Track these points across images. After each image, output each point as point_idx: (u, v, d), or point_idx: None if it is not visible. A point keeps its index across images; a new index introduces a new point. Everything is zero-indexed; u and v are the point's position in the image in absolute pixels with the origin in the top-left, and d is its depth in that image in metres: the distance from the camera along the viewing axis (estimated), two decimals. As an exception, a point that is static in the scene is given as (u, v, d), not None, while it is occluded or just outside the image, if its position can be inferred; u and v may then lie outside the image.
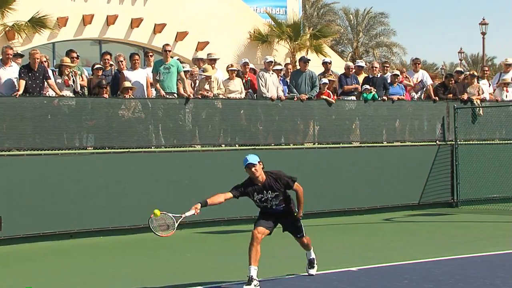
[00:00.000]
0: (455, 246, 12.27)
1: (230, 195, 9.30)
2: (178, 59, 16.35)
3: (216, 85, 15.71)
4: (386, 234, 14.51)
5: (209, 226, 14.87)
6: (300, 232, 9.55)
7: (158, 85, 15.08)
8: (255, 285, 9.04)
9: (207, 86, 15.62)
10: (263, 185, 9.22)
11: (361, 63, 18.85)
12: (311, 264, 9.78)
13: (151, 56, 16.18)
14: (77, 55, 15.70)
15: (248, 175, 9.36)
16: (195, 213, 9.16)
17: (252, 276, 9.06)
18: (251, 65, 17.43)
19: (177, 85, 15.23)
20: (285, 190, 9.30)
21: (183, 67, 15.80)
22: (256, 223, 9.40)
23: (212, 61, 16.37)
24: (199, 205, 9.22)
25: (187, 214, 9.14)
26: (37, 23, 22.38)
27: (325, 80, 16.86)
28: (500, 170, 17.60)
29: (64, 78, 14.46)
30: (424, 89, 18.71)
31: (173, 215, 9.15)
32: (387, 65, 18.88)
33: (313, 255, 9.80)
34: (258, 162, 9.26)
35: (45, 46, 22.94)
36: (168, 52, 15.24)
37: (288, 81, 16.92)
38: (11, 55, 14.12)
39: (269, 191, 9.21)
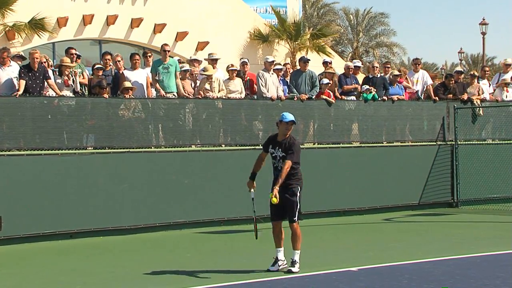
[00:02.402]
0: (455, 246, 12.27)
1: (264, 154, 10.35)
2: (178, 60, 16.36)
3: (218, 86, 15.69)
4: (386, 234, 14.51)
5: (209, 226, 14.87)
6: (293, 214, 9.96)
7: (158, 85, 15.08)
8: (279, 265, 9.99)
9: (208, 86, 15.62)
10: (281, 142, 10.12)
11: (357, 63, 18.86)
12: (292, 263, 9.98)
13: (149, 56, 16.18)
14: (78, 54, 15.72)
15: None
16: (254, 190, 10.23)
17: (277, 257, 10.01)
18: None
19: (176, 84, 15.22)
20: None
21: (182, 67, 15.79)
22: (271, 213, 10.16)
23: (213, 61, 16.37)
24: (252, 182, 10.27)
25: (253, 196, 10.27)
26: (36, 25, 22.38)
27: (326, 80, 16.85)
28: (500, 170, 17.60)
29: (64, 78, 14.45)
30: (424, 89, 18.70)
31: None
32: (388, 65, 18.87)
33: (296, 257, 9.98)
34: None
35: (45, 46, 22.95)
36: (167, 52, 15.24)
37: (288, 81, 16.92)
38: (7, 56, 14.05)
39: (280, 149, 10.06)
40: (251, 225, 14.77)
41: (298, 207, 10.03)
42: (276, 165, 10.10)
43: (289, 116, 10.19)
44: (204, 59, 17.60)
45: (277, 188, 9.82)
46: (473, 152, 17.94)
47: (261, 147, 10.59)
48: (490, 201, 17.60)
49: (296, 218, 9.99)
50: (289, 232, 10.06)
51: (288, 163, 9.91)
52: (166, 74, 15.10)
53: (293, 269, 9.89)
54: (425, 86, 18.67)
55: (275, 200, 9.78)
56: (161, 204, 14.59)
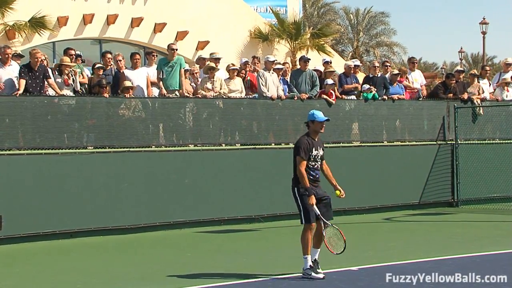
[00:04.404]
0: (455, 246, 12.27)
1: (305, 163, 9.75)
2: (180, 58, 16.36)
3: (219, 86, 15.67)
4: (386, 234, 14.51)
5: (209, 226, 14.87)
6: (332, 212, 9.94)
7: (161, 84, 15.07)
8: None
9: (209, 85, 15.61)
10: (318, 142, 9.88)
11: (356, 62, 18.87)
12: (316, 264, 9.72)
13: (156, 56, 16.13)
14: (77, 54, 15.71)
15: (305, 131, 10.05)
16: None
17: (315, 259, 9.62)
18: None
19: (180, 81, 15.20)
20: None
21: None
22: (309, 215, 9.67)
23: (216, 61, 16.37)
24: (313, 198, 9.67)
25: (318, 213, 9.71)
26: (37, 23, 22.39)
27: (330, 81, 16.85)
28: (500, 170, 17.59)
29: (63, 77, 14.45)
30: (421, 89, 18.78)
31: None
32: (388, 64, 18.90)
33: (317, 256, 9.77)
34: None
35: (45, 46, 22.94)
36: (174, 51, 15.21)
37: (288, 80, 16.91)
38: (9, 54, 14.10)
39: (320, 148, 9.86)
40: (250, 225, 14.87)
41: None
42: (315, 166, 9.84)
43: (322, 115, 9.90)
44: (208, 58, 17.59)
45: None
46: (473, 151, 17.93)
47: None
48: (490, 200, 17.59)
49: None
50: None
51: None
52: (170, 72, 15.10)
53: (320, 275, 9.66)
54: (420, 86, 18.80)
55: (339, 193, 9.89)
56: (161, 204, 14.59)
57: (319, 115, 9.85)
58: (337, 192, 9.87)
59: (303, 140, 9.85)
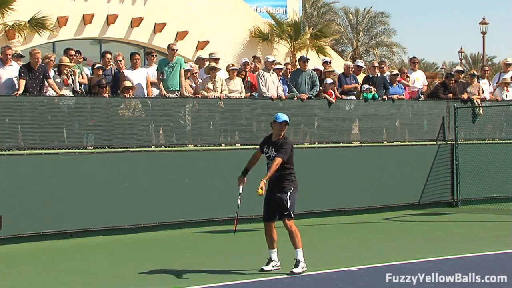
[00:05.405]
0: (455, 246, 12.27)
1: (259, 153, 10.38)
2: (180, 58, 16.35)
3: (220, 86, 15.67)
4: (386, 234, 14.50)
5: (209, 226, 14.87)
6: (285, 209, 9.91)
7: (161, 85, 15.06)
8: (273, 266, 9.99)
9: (210, 86, 15.61)
10: (274, 142, 10.14)
11: (360, 63, 18.85)
12: (296, 264, 9.85)
13: (155, 56, 16.12)
14: (77, 52, 15.70)
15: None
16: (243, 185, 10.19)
17: (270, 257, 10.01)
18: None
19: (180, 82, 15.19)
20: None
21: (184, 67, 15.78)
22: (263, 213, 10.22)
23: (215, 61, 16.36)
24: (243, 178, 10.26)
25: (240, 191, 10.18)
26: (37, 24, 22.40)
27: (330, 80, 16.86)
28: (500, 170, 17.59)
29: (63, 77, 14.45)
30: (421, 90, 18.79)
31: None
32: (383, 65, 18.75)
33: (299, 257, 9.86)
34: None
35: (45, 46, 22.94)
36: (174, 51, 15.21)
37: (288, 80, 16.92)
38: (10, 55, 14.11)
39: (273, 149, 10.07)
40: (250, 225, 14.88)
41: (289, 204, 9.90)
42: (270, 165, 9.98)
43: (283, 117, 10.11)
44: (207, 58, 17.59)
45: (263, 181, 9.74)
46: (473, 151, 17.94)
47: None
48: (490, 200, 17.60)
49: (287, 213, 9.85)
50: (285, 233, 9.99)
51: (278, 160, 9.88)
52: (171, 72, 15.09)
53: (295, 270, 9.75)
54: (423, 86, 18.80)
55: (260, 192, 9.67)
56: (161, 204, 14.59)
57: (280, 116, 10.15)
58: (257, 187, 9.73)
59: (266, 136, 10.50)
